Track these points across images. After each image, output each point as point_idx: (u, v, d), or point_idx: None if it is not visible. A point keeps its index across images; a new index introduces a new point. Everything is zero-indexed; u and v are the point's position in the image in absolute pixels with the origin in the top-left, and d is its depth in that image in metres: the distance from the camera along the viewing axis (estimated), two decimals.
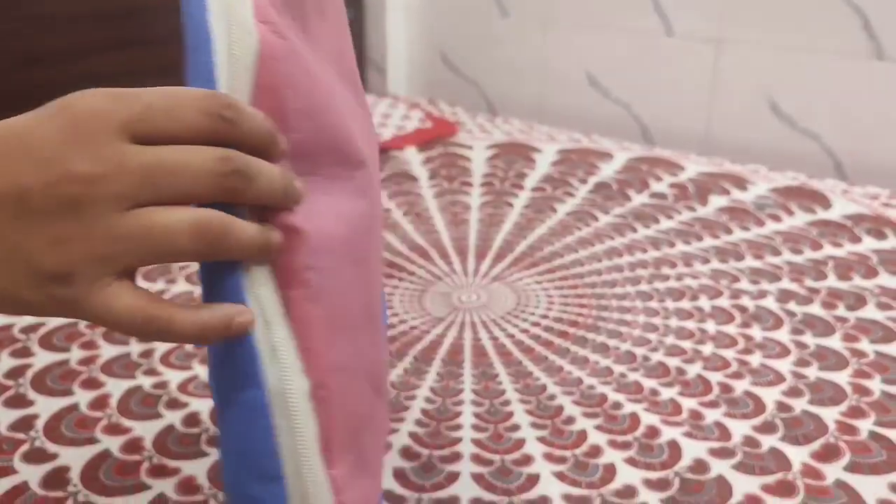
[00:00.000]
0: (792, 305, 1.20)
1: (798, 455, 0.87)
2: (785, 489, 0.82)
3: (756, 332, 1.13)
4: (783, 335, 1.12)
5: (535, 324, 1.14)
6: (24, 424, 0.90)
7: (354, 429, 0.55)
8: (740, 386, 1.00)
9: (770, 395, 0.98)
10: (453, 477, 0.83)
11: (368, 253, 0.59)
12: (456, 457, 0.86)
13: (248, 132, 0.46)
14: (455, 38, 2.42)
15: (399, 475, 0.83)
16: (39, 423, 0.90)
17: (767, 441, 0.90)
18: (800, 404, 0.96)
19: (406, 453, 0.87)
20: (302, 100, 0.50)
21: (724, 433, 0.91)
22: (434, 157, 1.82)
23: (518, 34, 2.28)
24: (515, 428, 0.91)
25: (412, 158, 1.81)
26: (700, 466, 0.86)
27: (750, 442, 0.90)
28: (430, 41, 2.46)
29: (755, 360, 1.06)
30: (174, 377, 1.00)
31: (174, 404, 0.95)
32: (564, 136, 1.99)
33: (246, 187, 0.45)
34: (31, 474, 0.82)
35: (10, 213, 0.40)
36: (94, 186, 0.40)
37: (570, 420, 0.93)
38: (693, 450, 0.88)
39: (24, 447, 0.86)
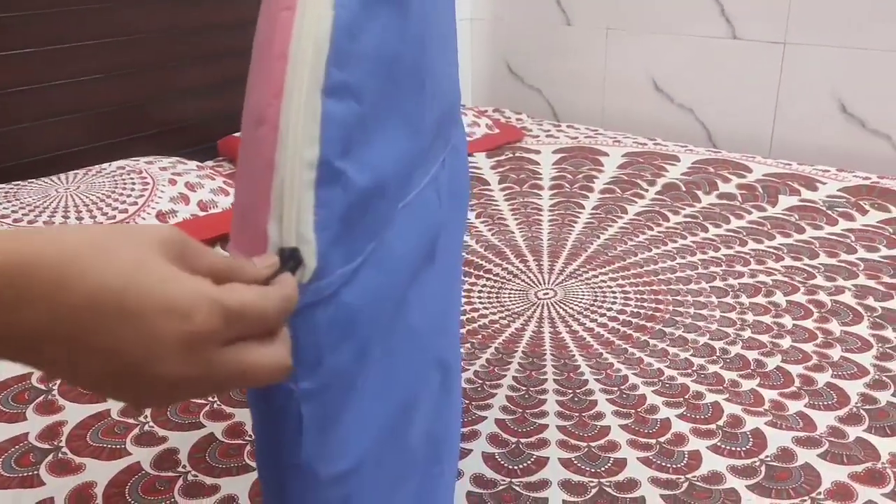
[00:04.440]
0: (870, 301, 1.19)
1: (886, 445, 0.88)
2: (874, 478, 0.83)
3: (835, 327, 1.13)
4: (863, 330, 1.12)
5: (613, 318, 1.16)
6: (133, 411, 0.96)
7: None
8: (822, 378, 1.01)
9: (853, 388, 0.99)
10: (542, 462, 0.86)
11: None
12: (543, 443, 0.89)
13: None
14: (519, 47, 2.45)
15: (489, 459, 0.86)
16: (147, 410, 0.96)
17: (853, 431, 0.90)
18: (885, 396, 0.97)
19: (494, 440, 0.90)
20: None
21: (809, 423, 0.92)
22: (503, 162, 1.86)
23: (581, 42, 2.31)
24: (599, 416, 0.94)
25: (482, 163, 1.85)
26: (786, 455, 0.87)
27: (836, 432, 0.90)
28: (495, 51, 2.51)
29: (835, 353, 1.06)
30: None
31: None
32: (630, 140, 2.00)
33: None
34: (144, 456, 0.88)
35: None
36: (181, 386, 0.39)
37: (653, 409, 0.95)
38: (778, 439, 0.89)
39: (136, 431, 0.92)
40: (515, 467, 0.85)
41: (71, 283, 0.36)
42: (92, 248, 0.37)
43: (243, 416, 0.94)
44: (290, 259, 0.43)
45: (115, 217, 1.32)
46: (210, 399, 0.98)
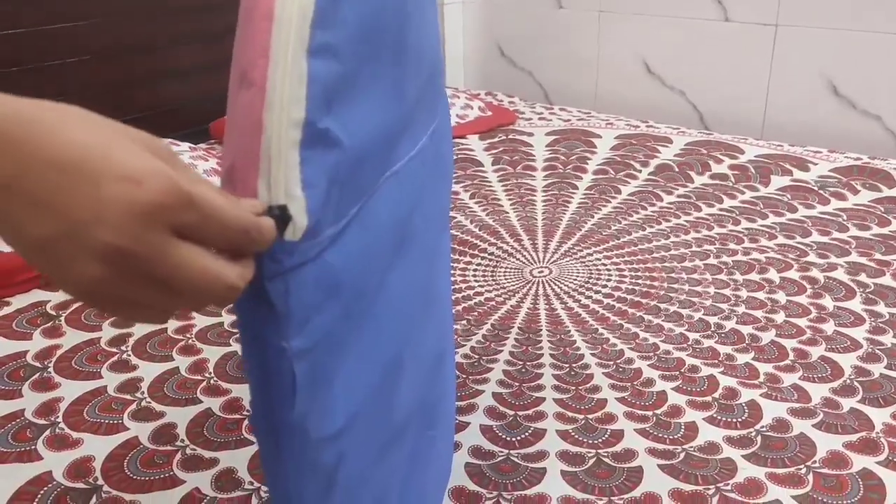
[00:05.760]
0: (863, 277, 1.20)
1: (880, 415, 0.89)
2: (869, 447, 0.84)
3: (828, 302, 1.14)
4: (856, 305, 1.13)
5: (608, 295, 1.16)
6: (131, 387, 0.95)
7: None
8: (816, 352, 1.01)
9: (847, 361, 0.99)
10: (539, 434, 0.86)
11: None
12: (540, 416, 0.90)
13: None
14: (511, 30, 2.45)
15: (487, 431, 0.87)
16: (144, 385, 0.96)
17: (847, 402, 0.91)
18: (878, 369, 0.97)
19: (491, 413, 0.90)
20: None
21: (804, 395, 0.93)
22: (496, 144, 1.86)
23: (573, 25, 2.30)
24: (596, 389, 0.94)
25: (475, 146, 1.85)
26: (781, 425, 0.87)
27: (830, 403, 0.91)
28: (487, 34, 2.50)
29: (829, 327, 1.07)
30: None
31: None
32: (622, 122, 2.00)
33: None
34: (141, 431, 0.87)
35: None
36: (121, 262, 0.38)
37: (650, 382, 0.95)
38: (773, 410, 0.90)
39: (133, 406, 0.92)
40: (513, 439, 0.86)
41: (42, 140, 0.37)
42: (75, 116, 0.38)
43: (240, 391, 0.94)
44: (280, 217, 0.43)
45: None
46: (206, 374, 0.98)
